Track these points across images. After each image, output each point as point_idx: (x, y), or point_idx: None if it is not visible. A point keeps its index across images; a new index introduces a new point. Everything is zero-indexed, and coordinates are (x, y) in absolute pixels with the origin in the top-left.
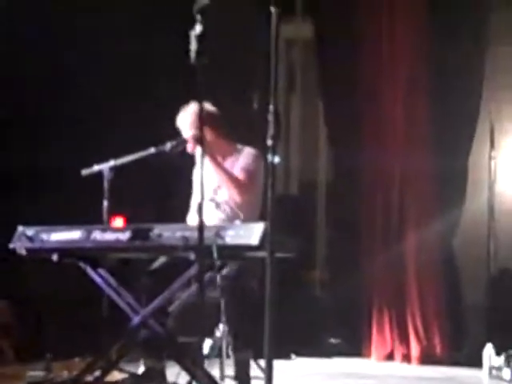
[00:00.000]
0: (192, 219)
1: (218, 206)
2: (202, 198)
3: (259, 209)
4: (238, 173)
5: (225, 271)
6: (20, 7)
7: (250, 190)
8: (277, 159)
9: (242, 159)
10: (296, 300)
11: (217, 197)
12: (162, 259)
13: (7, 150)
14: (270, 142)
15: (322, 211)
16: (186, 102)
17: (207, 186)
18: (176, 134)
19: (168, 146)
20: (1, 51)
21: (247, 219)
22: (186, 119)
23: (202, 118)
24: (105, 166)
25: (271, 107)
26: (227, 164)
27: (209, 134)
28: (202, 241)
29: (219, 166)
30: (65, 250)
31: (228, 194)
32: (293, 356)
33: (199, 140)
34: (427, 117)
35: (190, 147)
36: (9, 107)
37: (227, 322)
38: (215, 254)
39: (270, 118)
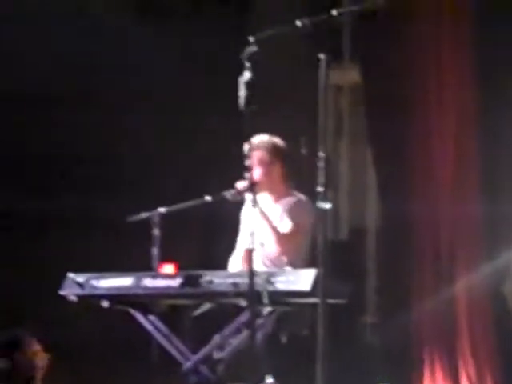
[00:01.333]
0: (235, 262)
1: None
2: (253, 244)
3: (306, 255)
4: (285, 221)
5: (273, 318)
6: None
7: (292, 244)
8: (327, 206)
9: (292, 206)
10: (346, 345)
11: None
12: (207, 305)
13: (59, 196)
14: (320, 189)
15: (371, 257)
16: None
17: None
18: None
19: (228, 194)
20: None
21: (291, 265)
22: (257, 152)
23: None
24: (153, 213)
25: (321, 154)
26: (279, 206)
27: (276, 172)
28: (252, 287)
29: (265, 217)
30: (115, 297)
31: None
32: None
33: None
34: (477, 161)
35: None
36: (58, 147)
37: (275, 369)
38: (266, 301)
39: (321, 164)
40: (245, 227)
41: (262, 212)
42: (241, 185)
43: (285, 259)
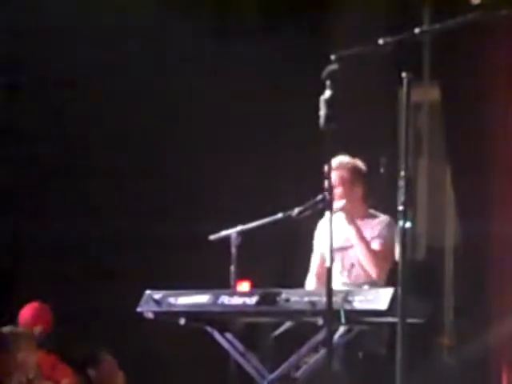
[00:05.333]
0: (310, 283)
1: (343, 268)
2: (332, 262)
3: (387, 274)
4: (376, 244)
5: (351, 337)
6: None
7: (385, 264)
8: (408, 225)
9: (379, 228)
10: (424, 365)
11: (344, 259)
12: (287, 324)
13: (136, 216)
14: (401, 208)
15: (449, 276)
16: (312, 168)
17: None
18: (299, 201)
19: (295, 211)
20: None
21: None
22: (338, 172)
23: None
24: (232, 231)
25: (402, 173)
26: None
27: (357, 193)
28: (330, 306)
29: (361, 235)
30: (192, 314)
31: (362, 265)
32: None
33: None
34: None
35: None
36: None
37: None
38: (343, 319)
39: (401, 183)
40: (321, 245)
41: (358, 231)
42: (337, 205)
43: (376, 275)
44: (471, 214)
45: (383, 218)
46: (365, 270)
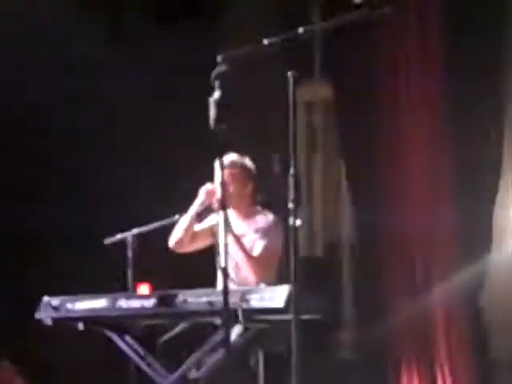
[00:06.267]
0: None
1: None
2: (226, 262)
3: (278, 272)
4: (259, 247)
5: (249, 335)
6: None
7: (268, 268)
8: (298, 222)
9: (264, 228)
10: (321, 360)
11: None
12: (182, 324)
13: (31, 216)
14: (291, 206)
15: (346, 272)
16: (206, 167)
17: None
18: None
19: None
20: None
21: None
22: (230, 172)
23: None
24: (128, 234)
25: (291, 170)
26: (246, 224)
27: (247, 190)
28: (227, 305)
29: (238, 241)
30: (90, 319)
31: (243, 268)
32: None
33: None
34: (449, 169)
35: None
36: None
37: None
38: (241, 318)
39: (291, 181)
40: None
41: (235, 236)
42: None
43: (257, 280)
44: (365, 207)
45: (269, 218)
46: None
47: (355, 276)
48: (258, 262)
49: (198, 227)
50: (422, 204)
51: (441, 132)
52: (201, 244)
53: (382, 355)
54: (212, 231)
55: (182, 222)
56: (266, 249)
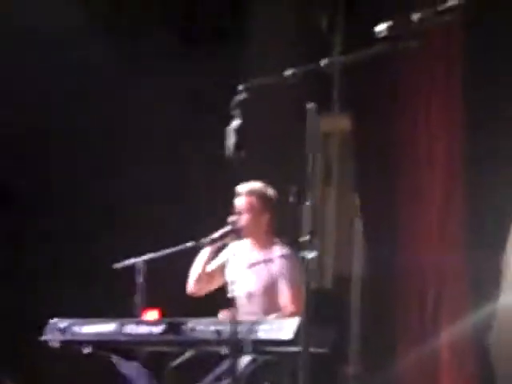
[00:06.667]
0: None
1: (251, 298)
2: (234, 292)
3: None
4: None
5: (255, 366)
6: None
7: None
8: (312, 255)
9: (287, 266)
10: None
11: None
12: (189, 352)
13: (44, 242)
14: (306, 238)
15: (356, 306)
16: (222, 195)
17: (242, 279)
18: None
19: (207, 239)
20: None
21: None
22: (247, 198)
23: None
24: (138, 260)
25: (308, 202)
26: (262, 255)
27: (264, 220)
28: (235, 335)
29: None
30: (97, 343)
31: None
32: None
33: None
34: (464, 213)
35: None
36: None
37: None
38: (248, 349)
39: (307, 212)
40: (226, 273)
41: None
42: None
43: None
44: (379, 243)
45: (285, 251)
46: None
47: (364, 311)
48: (295, 292)
49: (210, 267)
50: (434, 245)
51: (459, 174)
52: (216, 283)
53: None
54: (224, 267)
55: (199, 260)
56: (296, 280)
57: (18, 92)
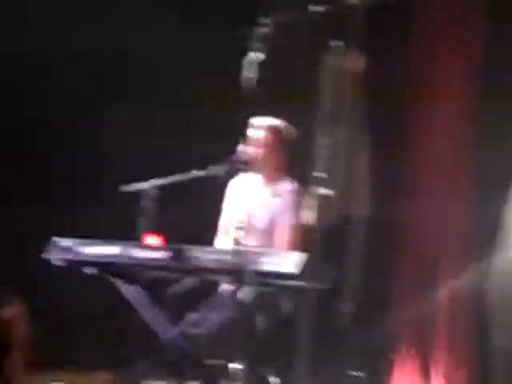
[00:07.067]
0: (219, 244)
1: (252, 232)
2: (244, 222)
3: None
4: (295, 219)
5: (257, 298)
6: None
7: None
8: (329, 192)
9: (294, 199)
10: (322, 330)
11: (255, 223)
12: (191, 280)
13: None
14: (322, 175)
15: (356, 245)
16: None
17: (249, 212)
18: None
19: (216, 170)
20: None
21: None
22: (264, 133)
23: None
24: (145, 185)
25: (324, 140)
26: (269, 190)
27: (277, 154)
28: (238, 266)
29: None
30: (100, 264)
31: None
32: None
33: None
34: (472, 160)
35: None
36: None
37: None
38: (250, 280)
39: (323, 150)
40: (232, 205)
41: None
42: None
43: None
44: (385, 185)
45: (294, 188)
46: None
47: (365, 251)
48: (294, 233)
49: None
50: (440, 192)
51: (468, 126)
52: None
53: (380, 334)
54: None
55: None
56: (297, 219)
57: None
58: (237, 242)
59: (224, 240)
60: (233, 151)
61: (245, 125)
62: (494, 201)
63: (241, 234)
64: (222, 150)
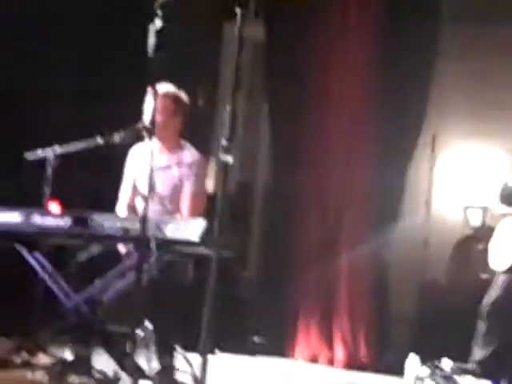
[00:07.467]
0: (121, 212)
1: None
2: (150, 191)
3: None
4: (194, 185)
5: (159, 264)
6: None
7: (201, 205)
8: (230, 159)
9: (195, 166)
10: (224, 297)
11: (157, 191)
12: (94, 248)
13: None
14: (224, 142)
15: (257, 212)
16: (138, 93)
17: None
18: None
19: (117, 137)
20: None
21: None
22: (163, 102)
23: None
24: (50, 152)
25: (228, 107)
26: (170, 158)
27: (177, 123)
28: (142, 233)
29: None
30: (3, 232)
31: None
32: (217, 351)
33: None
34: (371, 133)
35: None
36: None
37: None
38: (154, 247)
39: (226, 117)
40: (133, 173)
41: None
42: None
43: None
44: (285, 154)
45: (195, 155)
46: (176, 205)
47: (264, 218)
48: (195, 199)
49: (127, 194)
50: (340, 161)
51: (370, 86)
52: None
53: (283, 298)
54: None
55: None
56: (201, 187)
57: None
58: (138, 209)
59: (125, 208)
60: (135, 118)
61: (146, 92)
62: (399, 169)
63: (142, 201)
64: (123, 117)
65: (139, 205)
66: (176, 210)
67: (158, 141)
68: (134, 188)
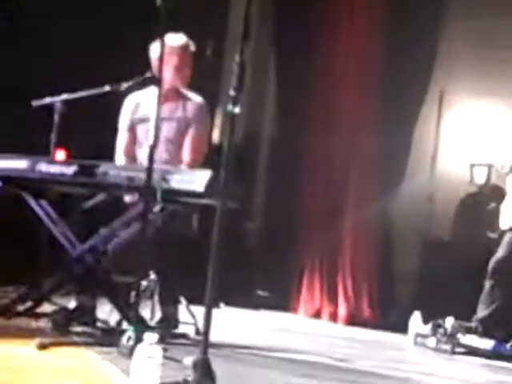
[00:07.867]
0: (119, 159)
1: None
2: (156, 140)
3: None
4: (194, 129)
5: (164, 215)
6: None
7: (202, 150)
8: (237, 110)
9: (197, 112)
10: (229, 249)
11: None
12: (99, 197)
13: None
14: (232, 93)
15: (263, 163)
16: (145, 43)
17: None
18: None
19: (124, 85)
20: None
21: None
22: (171, 51)
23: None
24: (57, 100)
25: (237, 57)
26: (176, 108)
27: (185, 73)
28: (149, 182)
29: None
30: (9, 179)
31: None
32: (221, 305)
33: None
34: (378, 91)
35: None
36: None
37: (158, 265)
38: (159, 197)
39: (235, 68)
40: (133, 121)
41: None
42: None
43: (192, 160)
44: (290, 104)
45: (200, 102)
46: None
47: (270, 170)
48: (196, 142)
49: (124, 142)
50: (346, 123)
51: (377, 43)
52: None
53: (287, 251)
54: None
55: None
56: (202, 131)
57: None
58: (138, 158)
59: (123, 156)
60: (143, 68)
61: (154, 42)
62: (406, 126)
63: (144, 149)
64: (132, 67)
65: (140, 153)
66: (179, 153)
67: (166, 90)
68: (133, 136)
